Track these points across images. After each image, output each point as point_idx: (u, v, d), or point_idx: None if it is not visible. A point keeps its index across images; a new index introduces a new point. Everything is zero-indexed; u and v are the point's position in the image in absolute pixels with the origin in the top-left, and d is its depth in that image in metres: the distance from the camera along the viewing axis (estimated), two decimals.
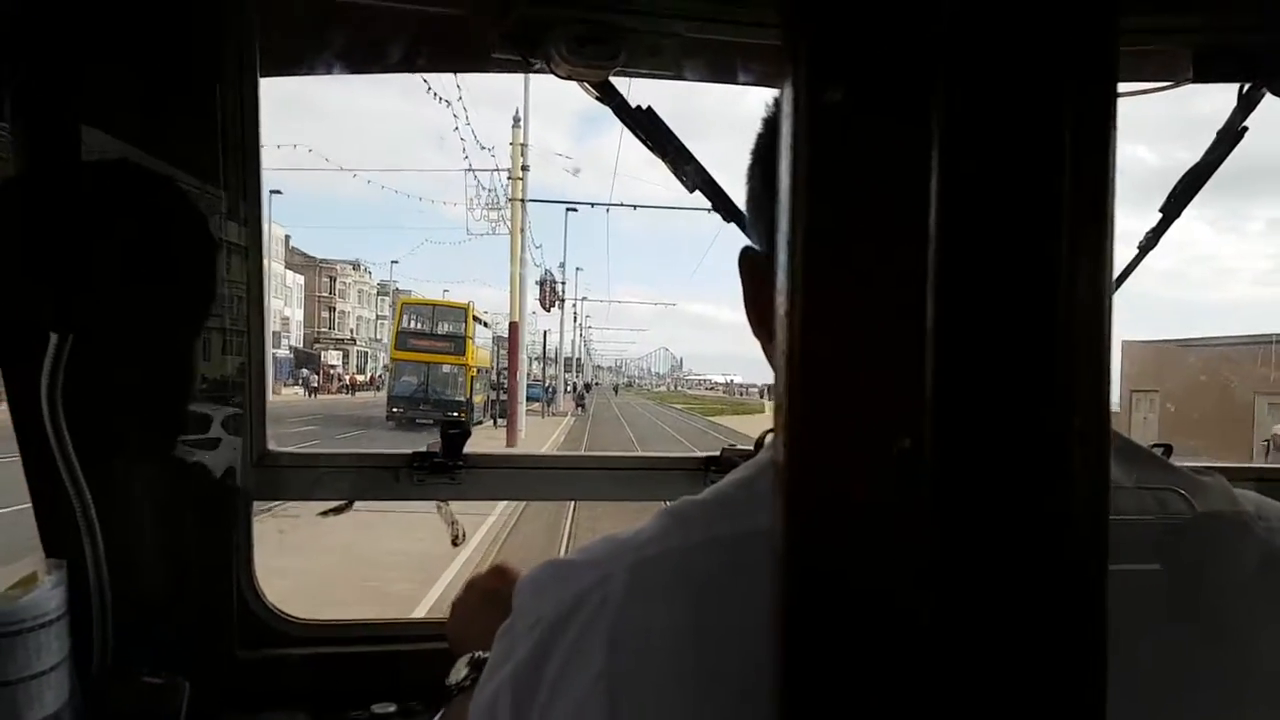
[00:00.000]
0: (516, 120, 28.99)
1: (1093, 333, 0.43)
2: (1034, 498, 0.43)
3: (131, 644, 1.35)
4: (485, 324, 40.58)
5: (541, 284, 44.54)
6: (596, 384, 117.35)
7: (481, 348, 37.90)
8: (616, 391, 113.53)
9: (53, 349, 1.24)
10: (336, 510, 1.58)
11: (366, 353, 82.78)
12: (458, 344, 34.32)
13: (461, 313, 35.89)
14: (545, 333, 57.45)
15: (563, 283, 51.58)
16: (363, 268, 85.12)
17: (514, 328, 28.77)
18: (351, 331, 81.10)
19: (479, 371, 37.00)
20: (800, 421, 0.45)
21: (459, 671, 1.14)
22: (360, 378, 72.62)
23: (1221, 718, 0.64)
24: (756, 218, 0.79)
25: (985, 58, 0.42)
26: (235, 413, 1.48)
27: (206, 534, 1.47)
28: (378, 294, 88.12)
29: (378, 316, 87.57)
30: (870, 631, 0.44)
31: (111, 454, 1.36)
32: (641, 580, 0.65)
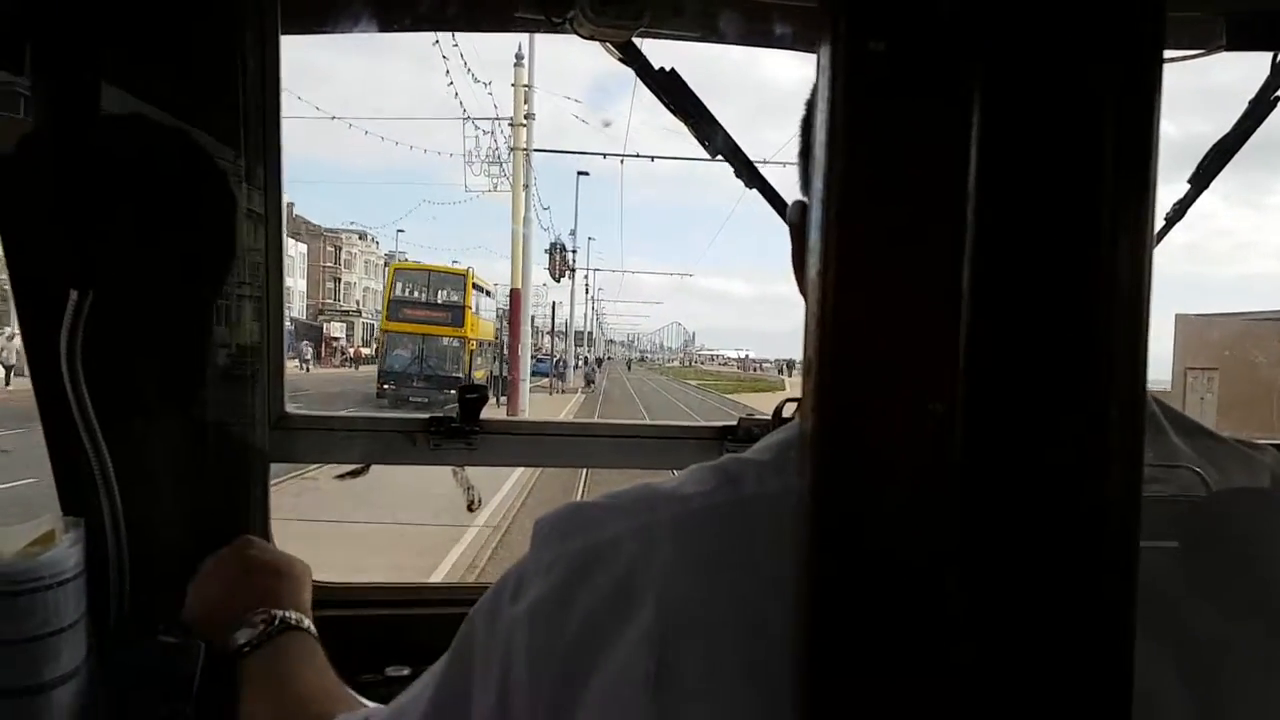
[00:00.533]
0: (519, 58, 25.92)
1: (1132, 299, 0.42)
2: (1068, 464, 0.43)
3: (149, 603, 1.35)
4: (488, 292, 38.26)
5: (551, 251, 41.34)
6: (609, 359, 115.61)
7: (484, 319, 35.44)
8: (629, 367, 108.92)
9: (72, 306, 1.24)
10: (353, 474, 1.58)
11: (372, 325, 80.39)
12: (455, 314, 31.77)
13: (460, 280, 33.13)
14: (555, 304, 54.94)
15: (573, 251, 48.75)
16: (370, 237, 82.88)
17: (515, 295, 26.44)
18: (358, 303, 79.13)
19: (480, 345, 34.67)
20: (831, 383, 0.44)
21: (247, 632, 1.13)
22: (365, 350, 70.41)
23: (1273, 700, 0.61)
24: (809, 174, 0.77)
25: (1031, 13, 0.41)
26: (253, 375, 1.47)
27: (224, 494, 1.47)
28: (385, 265, 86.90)
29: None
30: (898, 596, 0.44)
31: (130, 413, 1.36)
32: (691, 533, 0.62)
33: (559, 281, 46.77)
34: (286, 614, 1.15)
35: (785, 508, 0.59)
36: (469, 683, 0.69)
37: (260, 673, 1.13)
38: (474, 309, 33.23)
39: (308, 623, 1.17)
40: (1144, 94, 0.41)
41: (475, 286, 33.95)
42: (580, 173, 49.00)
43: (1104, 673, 0.44)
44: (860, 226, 0.43)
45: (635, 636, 0.59)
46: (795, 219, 0.75)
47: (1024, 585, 0.43)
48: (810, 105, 0.77)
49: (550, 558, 0.65)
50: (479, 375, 32.76)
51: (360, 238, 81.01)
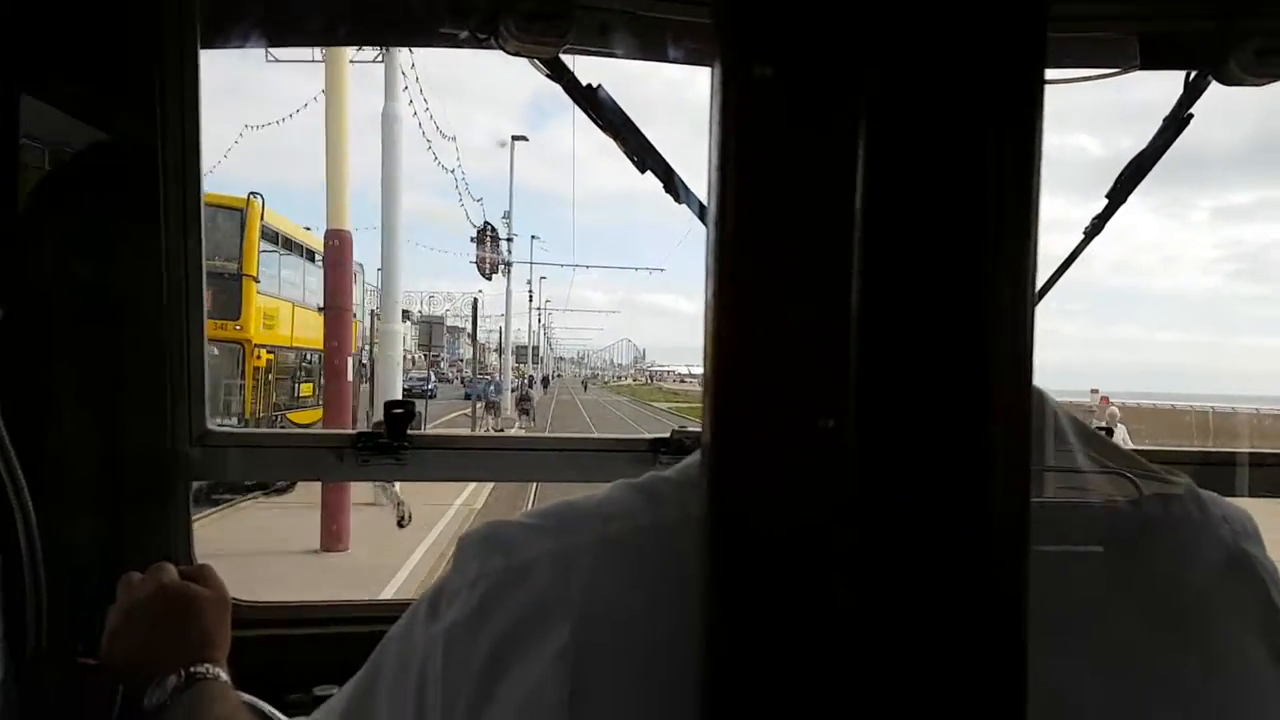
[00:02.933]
0: None
1: (1017, 310, 0.43)
2: (956, 477, 0.43)
3: (66, 626, 1.32)
4: (312, 254, 18.68)
5: (479, 238, 34.15)
6: (558, 376, 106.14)
7: (306, 303, 18.57)
8: (586, 387, 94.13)
9: None
10: (278, 490, 1.56)
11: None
12: (228, 296, 15.39)
13: (235, 218, 15.88)
14: (477, 299, 40.93)
15: (508, 239, 40.10)
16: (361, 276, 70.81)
17: (339, 243, 13.11)
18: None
19: (299, 359, 19.49)
20: (725, 402, 0.44)
21: (158, 694, 1.12)
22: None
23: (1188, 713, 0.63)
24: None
25: (914, 38, 0.42)
26: (172, 391, 1.45)
27: (145, 514, 1.45)
28: None
29: None
30: (795, 614, 0.44)
31: (47, 433, 1.34)
32: (610, 557, 0.62)
33: (489, 278, 38.80)
34: (194, 669, 1.15)
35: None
36: (379, 703, 0.68)
37: None
38: (271, 281, 17.43)
39: (215, 670, 1.16)
40: (1025, 116, 0.43)
41: (273, 236, 17.42)
42: (516, 137, 42.66)
43: (999, 680, 0.45)
44: (749, 247, 0.44)
45: (550, 658, 0.59)
46: None
47: (919, 598, 0.44)
48: None
49: (470, 577, 0.64)
50: (302, 418, 18.58)
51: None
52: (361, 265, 20.76)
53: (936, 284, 0.43)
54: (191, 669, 1.15)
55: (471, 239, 35.41)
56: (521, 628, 0.60)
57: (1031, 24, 0.43)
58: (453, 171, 23.48)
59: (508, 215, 41.58)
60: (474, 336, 42.75)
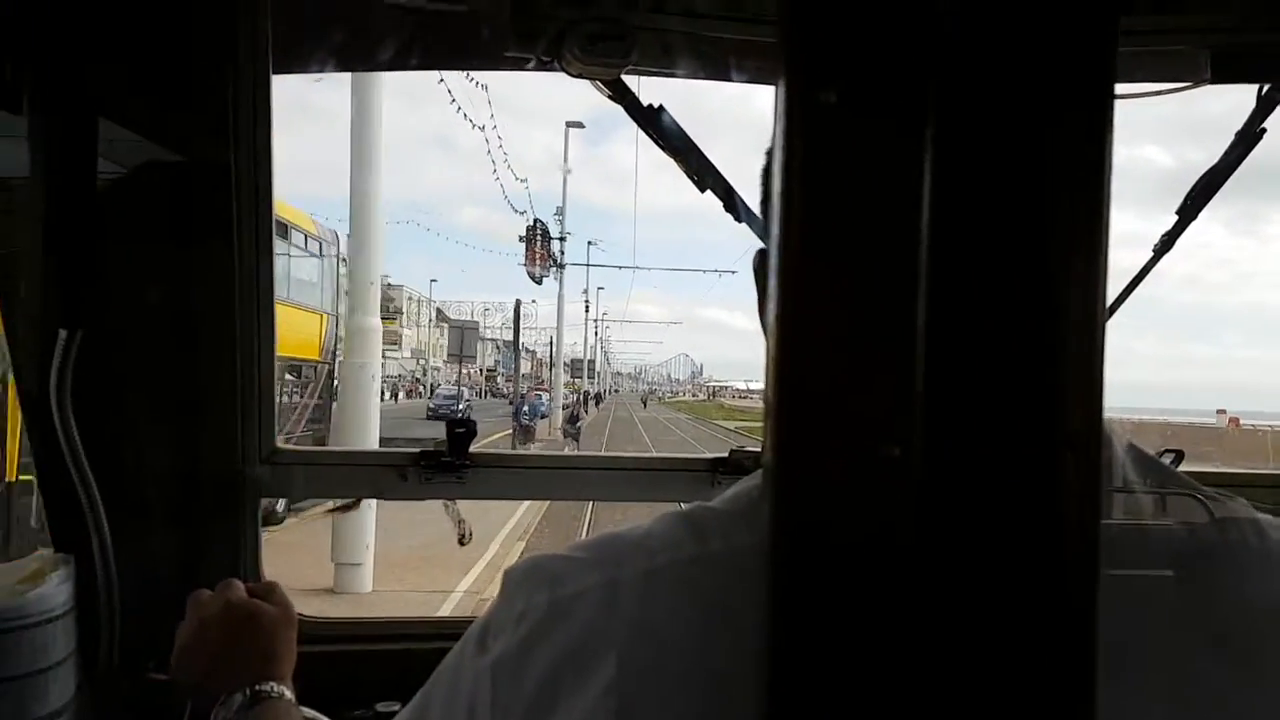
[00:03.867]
0: None
1: (1087, 338, 0.42)
2: (1025, 507, 0.43)
3: (138, 640, 1.35)
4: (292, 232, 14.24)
5: (529, 236, 30.78)
6: (615, 391, 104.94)
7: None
8: (645, 404, 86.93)
9: (61, 345, 1.25)
10: (343, 508, 1.58)
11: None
12: None
13: None
14: (519, 304, 35.10)
15: (561, 239, 35.36)
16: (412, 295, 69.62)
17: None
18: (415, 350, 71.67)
19: None
20: (790, 428, 0.44)
21: (223, 712, 1.14)
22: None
23: None
24: (768, 221, 0.78)
25: (981, 62, 0.42)
26: (243, 410, 1.48)
27: (215, 531, 1.47)
28: None
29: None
30: (860, 643, 0.44)
31: (120, 450, 1.37)
32: (655, 590, 0.62)
33: (539, 281, 33.40)
34: (260, 687, 1.17)
35: (749, 564, 0.59)
36: None
37: None
38: None
39: (280, 688, 1.18)
40: (1096, 133, 0.42)
41: None
42: (572, 124, 38.42)
43: (1067, 712, 0.44)
44: (816, 272, 0.44)
45: (597, 692, 0.59)
46: (758, 266, 0.76)
47: (985, 628, 0.43)
48: (770, 153, 0.77)
49: (517, 611, 0.65)
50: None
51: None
52: (336, 234, 15.16)
53: (1004, 306, 0.42)
54: (257, 686, 1.17)
55: (520, 238, 31.53)
56: (568, 661, 0.61)
57: (1101, 41, 0.42)
58: (490, 153, 20.56)
59: (560, 212, 36.98)
60: (516, 345, 35.99)
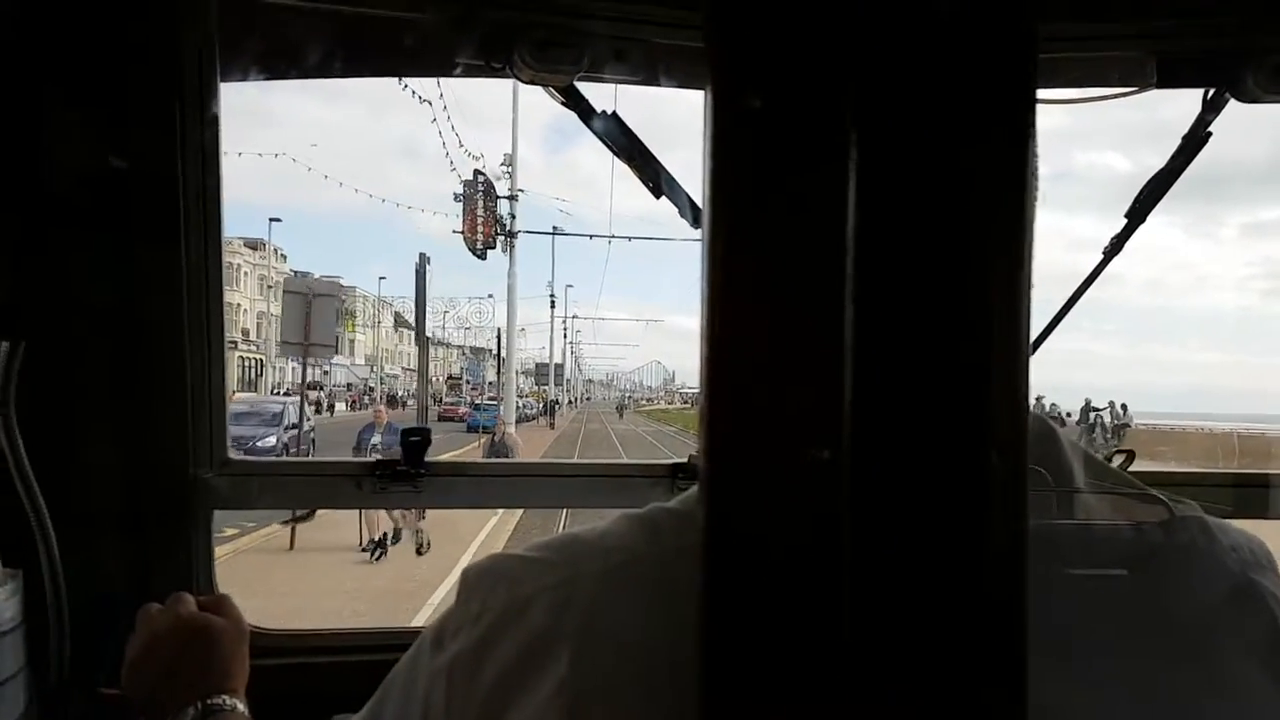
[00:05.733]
0: None
1: (1011, 343, 0.43)
2: (953, 508, 0.43)
3: (89, 655, 1.33)
4: None
5: (466, 195, 23.85)
6: (587, 399, 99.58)
7: None
8: (621, 414, 73.05)
9: (3, 356, 1.23)
10: (299, 519, 1.57)
11: (261, 359, 59.67)
12: None
13: None
14: (423, 260, 21.91)
15: (511, 196, 26.21)
16: (267, 248, 60.25)
17: None
18: (245, 331, 57.90)
19: None
20: (721, 432, 0.44)
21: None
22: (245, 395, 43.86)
23: None
24: None
25: (903, 70, 0.42)
26: (194, 421, 1.46)
27: (167, 543, 1.46)
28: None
29: None
30: (791, 640, 0.44)
31: (68, 462, 1.35)
32: (610, 588, 0.63)
33: (483, 257, 25.27)
34: (212, 701, 1.16)
35: None
36: None
37: None
38: None
39: (232, 701, 1.17)
40: (1017, 139, 0.43)
41: None
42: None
43: (995, 704, 0.45)
44: (740, 274, 0.44)
45: (549, 691, 0.60)
46: None
47: (914, 626, 0.44)
48: None
49: (474, 611, 0.65)
50: None
51: (252, 248, 60.74)
52: None
53: (930, 311, 0.42)
54: (209, 700, 1.16)
55: (455, 195, 23.80)
56: (523, 661, 0.62)
57: (1020, 48, 0.43)
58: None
59: (509, 164, 27.46)
60: (420, 327, 20.68)
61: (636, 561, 0.64)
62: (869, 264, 0.42)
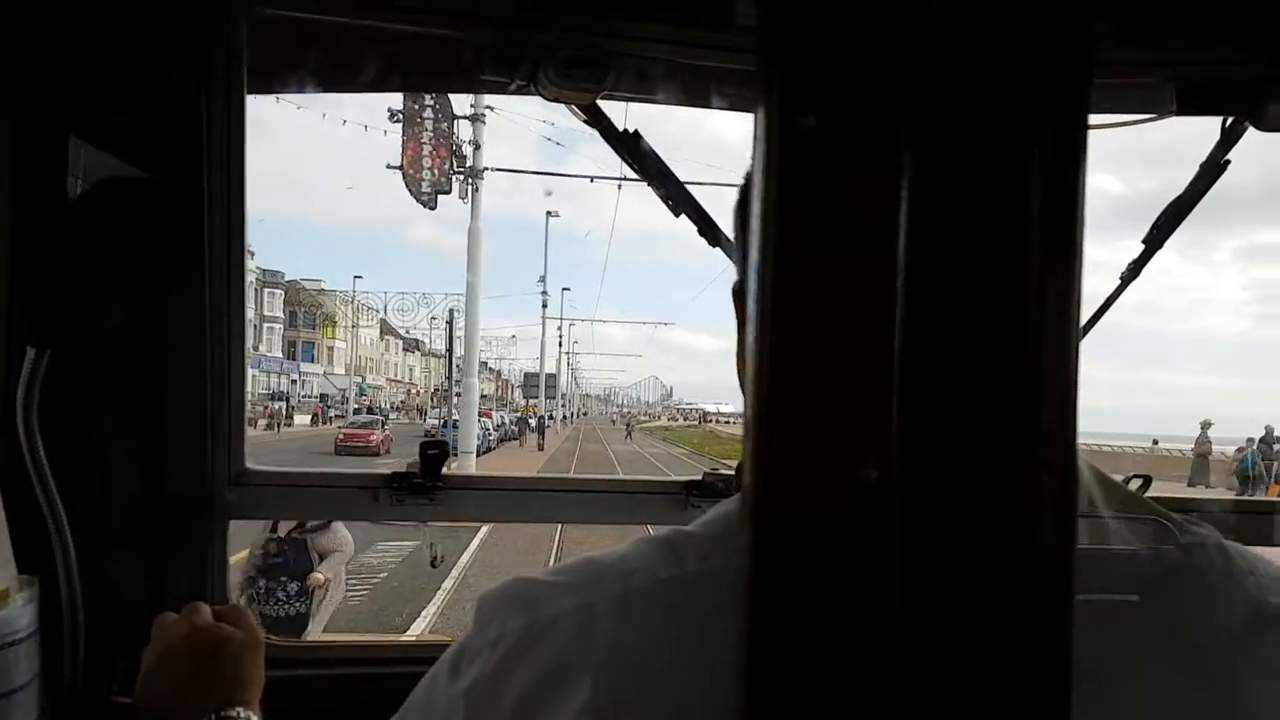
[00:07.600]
0: None
1: (1061, 362, 0.43)
2: (1002, 529, 0.43)
3: (103, 664, 1.33)
4: None
5: (410, 115, 17.18)
6: (584, 414, 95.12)
7: None
8: (630, 434, 63.17)
9: (28, 364, 1.23)
10: (315, 528, 1.57)
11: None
12: None
13: None
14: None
15: (474, 118, 18.39)
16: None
17: None
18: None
19: None
20: (768, 452, 0.44)
21: None
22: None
23: None
24: (745, 247, 0.78)
25: (957, 89, 0.42)
26: (212, 431, 1.46)
27: (182, 553, 1.46)
28: (261, 286, 60.33)
29: (263, 319, 60.76)
30: (836, 667, 0.44)
31: (87, 471, 1.35)
32: (631, 611, 0.62)
33: (433, 204, 18.48)
34: (226, 713, 1.16)
35: (725, 585, 0.60)
36: None
37: None
38: None
39: (246, 713, 1.17)
40: (1070, 161, 0.43)
41: None
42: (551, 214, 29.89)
43: None
44: (795, 296, 0.44)
45: (572, 714, 0.59)
46: (736, 291, 0.76)
47: (963, 651, 0.44)
48: (743, 189, 0.78)
49: (492, 636, 0.65)
50: None
51: None
52: None
53: (980, 332, 0.43)
54: (224, 712, 1.16)
55: (392, 112, 17.00)
56: (543, 686, 0.61)
57: (1077, 70, 0.43)
58: None
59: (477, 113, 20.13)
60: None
61: (658, 585, 0.63)
62: (919, 283, 0.42)
